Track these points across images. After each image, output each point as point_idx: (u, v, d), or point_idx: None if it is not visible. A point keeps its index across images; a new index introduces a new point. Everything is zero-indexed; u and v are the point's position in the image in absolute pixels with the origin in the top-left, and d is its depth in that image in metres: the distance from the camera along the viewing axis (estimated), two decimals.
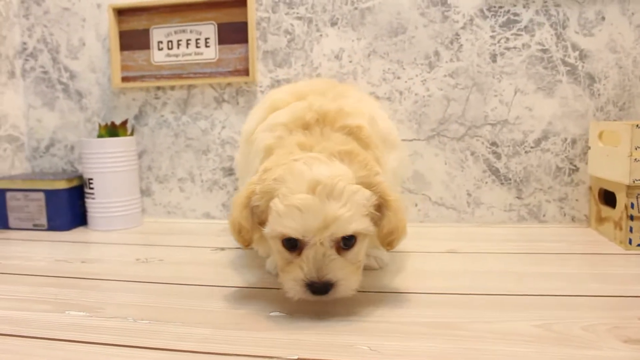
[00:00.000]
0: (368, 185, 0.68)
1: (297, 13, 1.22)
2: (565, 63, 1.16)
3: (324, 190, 0.63)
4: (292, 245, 0.67)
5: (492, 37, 1.18)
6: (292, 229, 0.64)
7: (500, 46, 1.17)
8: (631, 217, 1.02)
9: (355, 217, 0.65)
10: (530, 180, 1.19)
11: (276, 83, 1.24)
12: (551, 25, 1.16)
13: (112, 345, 0.63)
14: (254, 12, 1.23)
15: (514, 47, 1.17)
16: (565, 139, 1.18)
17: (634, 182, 1.00)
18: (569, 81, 1.16)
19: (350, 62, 1.21)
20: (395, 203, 0.69)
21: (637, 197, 1.01)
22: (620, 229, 1.04)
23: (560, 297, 0.76)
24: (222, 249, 1.05)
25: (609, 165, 1.07)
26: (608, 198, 1.12)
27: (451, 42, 1.19)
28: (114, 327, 0.68)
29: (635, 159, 1.00)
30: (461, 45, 1.18)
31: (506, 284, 0.82)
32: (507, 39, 1.17)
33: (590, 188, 1.18)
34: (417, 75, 1.20)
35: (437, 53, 1.19)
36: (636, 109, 1.16)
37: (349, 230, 0.65)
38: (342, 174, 0.66)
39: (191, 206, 1.34)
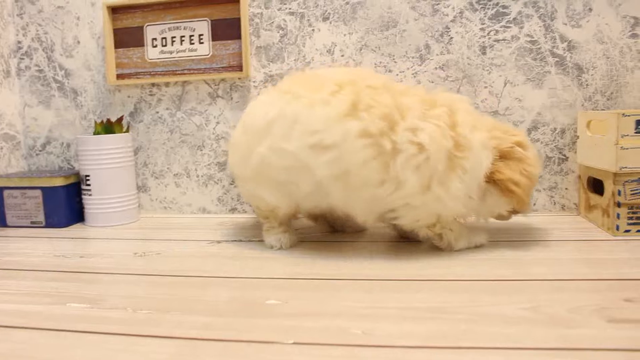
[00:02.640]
0: None
1: (290, 8, 1.24)
2: (553, 54, 1.18)
3: None
4: None
5: (482, 29, 1.19)
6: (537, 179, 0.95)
7: (489, 38, 1.19)
8: (618, 204, 1.04)
9: None
10: None
11: (269, 78, 1.25)
12: (539, 17, 1.18)
13: (113, 334, 0.65)
14: (247, 8, 1.24)
15: (503, 39, 1.19)
16: (555, 129, 1.20)
17: (620, 169, 1.02)
18: (558, 72, 1.19)
19: (343, 56, 1.23)
20: None
21: (623, 185, 1.03)
22: (608, 215, 1.07)
23: (550, 282, 0.78)
24: (219, 242, 1.07)
25: (596, 154, 1.09)
26: (596, 186, 1.14)
27: (441, 35, 1.20)
28: (114, 318, 0.70)
29: (622, 147, 1.02)
30: (451, 38, 1.20)
31: (498, 270, 0.84)
32: (497, 31, 1.19)
33: (579, 177, 1.20)
34: (408, 69, 1.22)
35: (427, 46, 1.21)
36: (623, 99, 1.19)
37: None
38: None
39: (187, 201, 1.35)
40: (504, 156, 0.92)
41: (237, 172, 1.02)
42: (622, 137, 1.02)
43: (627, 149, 1.02)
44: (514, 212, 0.97)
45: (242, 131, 0.99)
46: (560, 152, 1.21)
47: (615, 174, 1.04)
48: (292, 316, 0.68)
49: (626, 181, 1.04)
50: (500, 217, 1.00)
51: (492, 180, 0.91)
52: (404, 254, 0.95)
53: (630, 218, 1.05)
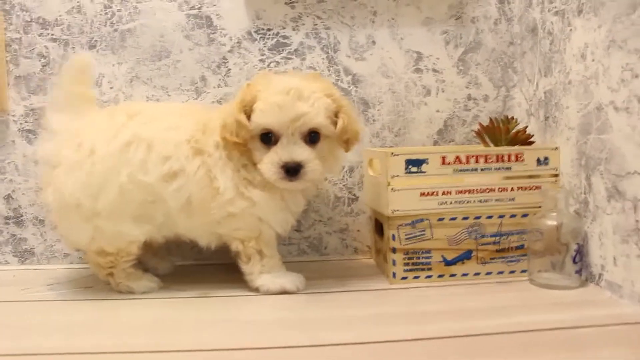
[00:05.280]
0: (328, 96, 0.86)
1: (52, 34, 1.10)
2: (338, 88, 1.11)
3: (295, 93, 0.83)
4: (269, 139, 0.85)
5: (262, 60, 1.11)
6: (271, 122, 0.83)
7: (270, 70, 1.10)
8: (393, 250, 0.96)
9: (319, 114, 0.84)
10: (309, 211, 1.12)
11: (31, 112, 1.10)
12: (322, 49, 1.11)
13: None
14: (2, 33, 1.09)
15: (285, 72, 1.10)
16: (343, 167, 1.12)
17: (392, 212, 0.95)
18: None
19: (112, 88, 1.10)
20: (347, 107, 0.89)
21: (397, 229, 0.96)
22: (386, 261, 0.99)
23: (281, 350, 0.68)
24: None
25: (376, 195, 1.02)
26: (382, 228, 1.06)
27: (218, 67, 1.11)
28: None
29: (393, 189, 0.95)
30: (229, 69, 1.11)
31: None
32: (277, 62, 1.11)
33: (370, 217, 1.13)
34: (183, 102, 1.10)
35: (203, 78, 1.11)
36: (411, 135, 1.13)
37: (313, 123, 0.84)
38: (309, 85, 0.85)
39: None
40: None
41: (78, 201, 0.85)
42: (392, 177, 0.95)
43: (398, 190, 0.95)
44: None
45: (84, 150, 0.85)
46: (349, 192, 1.13)
47: (389, 217, 0.96)
48: None
49: (400, 225, 0.96)
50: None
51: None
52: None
53: (407, 264, 0.97)
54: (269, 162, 0.84)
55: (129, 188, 0.85)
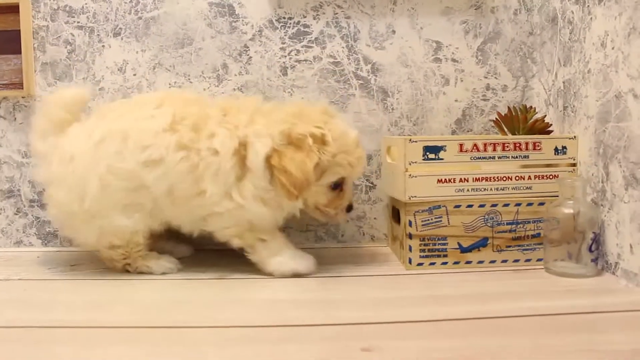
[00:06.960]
0: None
1: (78, 22, 1.13)
2: (357, 76, 1.12)
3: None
4: (338, 185, 0.93)
5: (282, 49, 1.12)
6: (355, 173, 0.94)
7: (290, 59, 1.12)
8: (410, 236, 0.97)
9: None
10: None
11: None
12: (342, 38, 1.12)
13: None
14: (30, 20, 1.12)
15: (305, 60, 1.12)
16: None
17: (409, 199, 0.96)
18: (362, 95, 1.12)
19: (135, 75, 1.12)
20: None
21: (414, 215, 0.97)
22: (403, 247, 1.00)
23: (296, 328, 0.69)
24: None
25: (393, 182, 1.03)
26: (399, 216, 1.07)
27: (240, 54, 1.12)
28: None
29: (410, 175, 0.95)
30: (250, 57, 1.12)
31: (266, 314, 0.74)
32: (298, 51, 1.12)
33: (387, 205, 1.14)
34: (205, 90, 1.13)
35: (225, 66, 1.12)
36: (429, 124, 1.13)
37: None
38: None
39: None
40: (291, 143, 0.87)
41: (72, 209, 0.88)
42: (410, 164, 0.96)
43: (415, 177, 0.96)
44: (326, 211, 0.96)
45: (65, 161, 0.88)
46: (367, 180, 1.14)
47: (405, 204, 0.97)
48: None
49: (417, 211, 0.97)
50: (326, 215, 0.97)
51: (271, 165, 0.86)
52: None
53: (423, 250, 0.98)
54: (337, 207, 0.96)
55: (109, 178, 0.87)
